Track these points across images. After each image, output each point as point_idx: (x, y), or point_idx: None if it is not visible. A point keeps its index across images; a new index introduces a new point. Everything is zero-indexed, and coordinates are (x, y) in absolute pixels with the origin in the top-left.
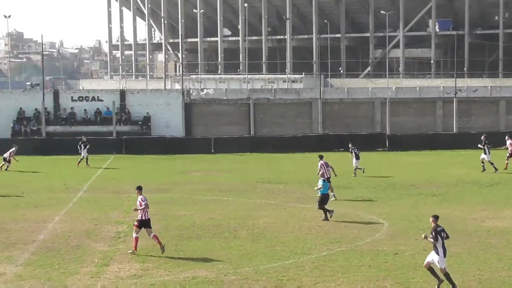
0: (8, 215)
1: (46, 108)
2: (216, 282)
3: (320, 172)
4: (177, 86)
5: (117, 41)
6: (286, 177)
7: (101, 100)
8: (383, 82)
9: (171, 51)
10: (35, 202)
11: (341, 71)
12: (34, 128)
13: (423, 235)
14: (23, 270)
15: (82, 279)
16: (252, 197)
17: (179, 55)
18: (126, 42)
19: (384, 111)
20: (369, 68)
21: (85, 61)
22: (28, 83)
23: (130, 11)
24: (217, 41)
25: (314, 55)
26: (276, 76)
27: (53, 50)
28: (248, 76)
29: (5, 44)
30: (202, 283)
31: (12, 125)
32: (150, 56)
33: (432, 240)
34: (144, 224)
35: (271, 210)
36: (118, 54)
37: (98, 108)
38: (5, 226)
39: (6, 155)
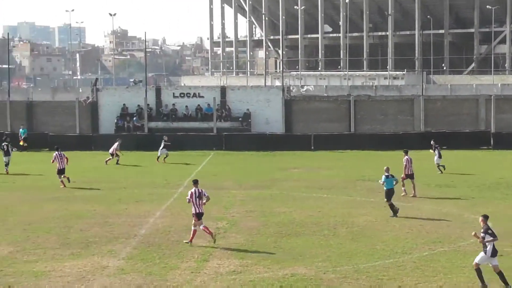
0: (111, 209)
1: (148, 104)
2: (315, 280)
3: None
4: (277, 83)
5: (218, 38)
6: None
7: (202, 97)
8: (488, 78)
9: (272, 48)
10: (137, 196)
11: (444, 68)
12: (137, 124)
13: (473, 233)
14: (125, 263)
15: (182, 274)
16: (352, 195)
17: (280, 51)
18: (227, 39)
19: (489, 108)
20: (473, 65)
21: (186, 58)
22: (132, 80)
23: (232, 8)
24: (317, 37)
25: (417, 52)
26: (377, 73)
27: (156, 47)
28: (349, 72)
29: (110, 42)
30: (301, 281)
31: (116, 121)
32: (251, 53)
33: (490, 239)
34: (198, 217)
35: (371, 208)
36: (219, 51)
37: (199, 105)
38: (108, 220)
39: (111, 149)
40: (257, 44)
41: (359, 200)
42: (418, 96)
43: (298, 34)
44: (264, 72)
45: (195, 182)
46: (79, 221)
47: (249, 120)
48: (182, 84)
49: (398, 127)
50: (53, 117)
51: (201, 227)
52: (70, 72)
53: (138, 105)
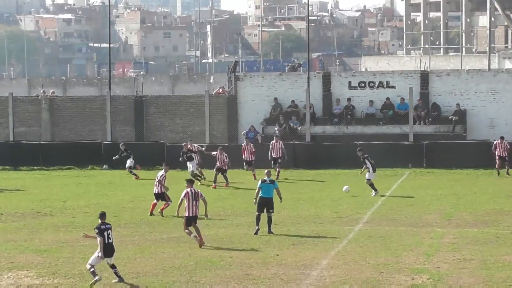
0: (254, 256)
1: (311, 98)
2: None
3: None
4: (509, 65)
5: None
6: None
7: (392, 87)
8: None
9: (500, 11)
10: (292, 237)
11: None
12: (298, 127)
13: None
14: None
15: None
16: None
17: None
18: (430, 0)
19: None
20: None
21: (369, 29)
22: (288, 63)
23: None
24: None
25: None
26: None
27: (324, 14)
28: None
29: (256, 7)
30: None
31: (262, 125)
32: (467, 20)
33: None
34: (191, 220)
35: None
36: (418, 17)
37: (388, 99)
38: (250, 272)
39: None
40: (478, 5)
41: None
42: None
43: None
44: (487, 49)
45: (190, 182)
46: (209, 274)
47: (464, 122)
48: (363, 69)
49: None
50: (172, 119)
51: (191, 236)
52: (198, 53)
53: (292, 101)
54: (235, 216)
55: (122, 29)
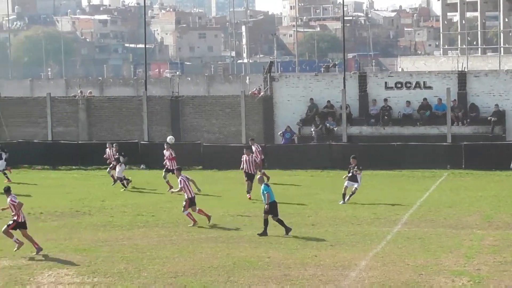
0: (292, 256)
1: (347, 98)
2: None
3: None
4: None
5: None
6: None
7: (429, 88)
8: None
9: None
10: (330, 237)
11: None
12: (334, 127)
13: None
14: None
15: None
16: None
17: None
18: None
19: None
20: None
21: (405, 29)
22: (323, 64)
23: None
24: None
25: None
26: None
27: (359, 14)
28: None
29: (291, 7)
30: None
31: (299, 126)
32: (505, 19)
33: None
34: (192, 201)
35: None
36: (455, 17)
37: (425, 99)
38: (288, 273)
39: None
40: None
41: None
42: None
43: None
44: None
45: (180, 169)
46: (246, 274)
47: (503, 123)
48: (399, 69)
49: None
50: (208, 119)
51: (197, 210)
52: (233, 54)
53: (328, 101)
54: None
55: (157, 30)
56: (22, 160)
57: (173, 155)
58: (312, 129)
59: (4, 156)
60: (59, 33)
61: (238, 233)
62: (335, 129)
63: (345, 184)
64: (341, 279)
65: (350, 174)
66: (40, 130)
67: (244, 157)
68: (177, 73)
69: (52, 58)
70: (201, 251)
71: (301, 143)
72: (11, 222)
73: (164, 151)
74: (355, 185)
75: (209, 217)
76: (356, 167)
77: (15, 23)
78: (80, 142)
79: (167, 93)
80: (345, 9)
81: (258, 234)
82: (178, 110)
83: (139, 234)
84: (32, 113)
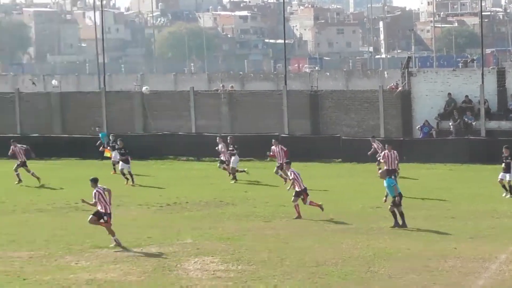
0: (432, 248)
1: (485, 93)
2: None
3: None
4: None
5: None
6: None
7: None
8: None
9: None
10: (470, 230)
11: None
12: (472, 122)
13: None
14: None
15: None
16: None
17: None
18: None
19: None
20: None
21: None
22: (462, 59)
23: None
24: None
25: None
26: None
27: (498, 10)
28: None
29: (428, 3)
30: None
31: (437, 120)
32: None
33: None
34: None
35: None
36: None
37: None
38: (428, 264)
39: None
40: None
41: None
42: None
43: None
44: None
45: (289, 163)
46: (386, 264)
47: None
48: None
49: None
50: (347, 113)
51: (308, 203)
52: (371, 49)
53: (466, 96)
54: (410, 208)
55: (296, 26)
56: (168, 151)
57: (285, 149)
58: (451, 124)
59: (117, 147)
60: (201, 29)
61: (378, 225)
62: (473, 123)
63: (500, 176)
64: (482, 271)
65: (504, 165)
66: (185, 123)
67: (385, 152)
68: (316, 68)
69: (195, 53)
70: (341, 242)
71: (439, 137)
72: (105, 218)
73: (273, 147)
74: (507, 176)
75: (321, 206)
76: (510, 157)
77: (159, 19)
78: (222, 134)
79: (306, 87)
80: (483, 4)
81: (390, 227)
82: (318, 104)
83: (281, 225)
84: (176, 107)
